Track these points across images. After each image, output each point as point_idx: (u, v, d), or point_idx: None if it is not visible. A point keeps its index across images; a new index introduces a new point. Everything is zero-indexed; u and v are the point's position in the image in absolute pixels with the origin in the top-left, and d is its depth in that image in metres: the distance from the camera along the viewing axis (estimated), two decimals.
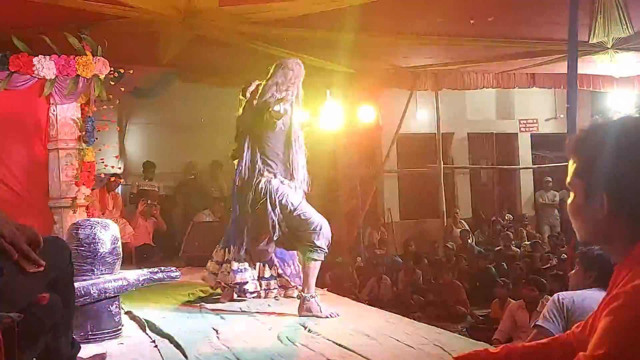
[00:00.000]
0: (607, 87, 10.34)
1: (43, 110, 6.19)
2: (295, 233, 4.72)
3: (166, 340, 3.93)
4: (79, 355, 2.76)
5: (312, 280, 4.62)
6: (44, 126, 6.20)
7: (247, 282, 5.04)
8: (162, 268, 4.41)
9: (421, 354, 3.49)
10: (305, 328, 4.18)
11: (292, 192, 4.79)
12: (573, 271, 3.46)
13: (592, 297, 2.97)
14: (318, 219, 4.69)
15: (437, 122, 11.57)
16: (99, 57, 6.16)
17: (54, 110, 6.19)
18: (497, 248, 10.49)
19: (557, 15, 6.67)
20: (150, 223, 9.15)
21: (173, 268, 4.48)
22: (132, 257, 8.36)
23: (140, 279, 4.18)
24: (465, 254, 10.04)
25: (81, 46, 6.11)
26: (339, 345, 3.68)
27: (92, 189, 6.53)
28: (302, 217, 4.68)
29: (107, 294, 3.95)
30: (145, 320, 4.43)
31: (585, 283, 3.25)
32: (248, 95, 5.08)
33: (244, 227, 4.94)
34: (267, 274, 5.20)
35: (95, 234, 4.01)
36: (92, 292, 3.87)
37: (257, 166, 4.81)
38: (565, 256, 8.18)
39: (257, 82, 5.06)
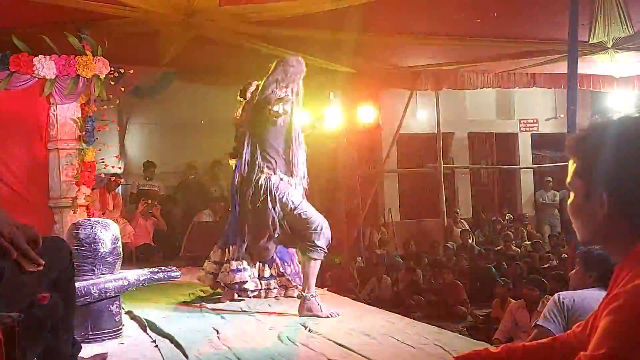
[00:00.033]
0: (607, 87, 10.33)
1: (43, 110, 6.20)
2: (295, 232, 4.73)
3: (167, 340, 3.93)
4: (79, 355, 2.76)
5: (312, 280, 4.63)
6: (44, 126, 6.20)
7: (247, 281, 5.04)
8: (163, 268, 4.41)
9: (421, 353, 3.49)
10: (306, 328, 4.18)
11: (292, 189, 4.80)
12: (573, 271, 3.46)
13: (593, 296, 2.97)
14: (318, 219, 4.69)
15: (438, 122, 11.56)
16: (99, 57, 6.16)
17: (54, 110, 6.19)
18: (498, 248, 10.48)
19: (557, 15, 6.67)
20: (151, 223, 9.15)
21: (173, 268, 4.48)
22: (133, 256, 8.36)
23: (141, 278, 4.19)
24: (466, 253, 10.03)
25: (81, 46, 6.11)
26: (340, 345, 3.68)
27: (93, 189, 6.54)
28: (303, 217, 4.68)
29: (108, 294, 3.96)
30: (145, 320, 4.44)
31: (585, 283, 3.25)
32: (249, 96, 5.09)
33: (244, 224, 4.95)
34: (267, 273, 5.20)
35: (95, 233, 4.01)
36: (92, 292, 3.87)
37: (256, 162, 4.82)
38: (566, 256, 8.18)
39: (256, 83, 5.06)
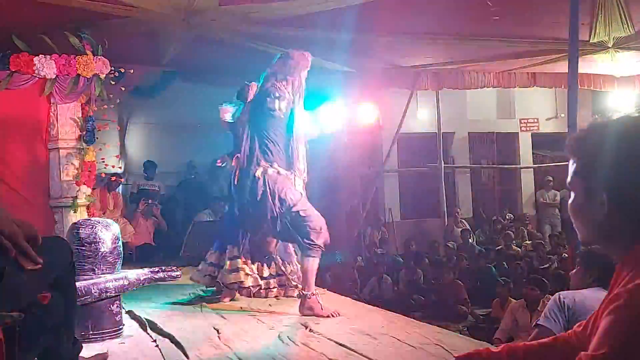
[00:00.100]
0: (607, 86, 10.32)
1: (44, 109, 6.20)
2: (293, 229, 4.73)
3: (167, 340, 3.93)
4: (80, 354, 2.76)
5: (312, 279, 4.63)
6: (44, 126, 6.20)
7: (246, 279, 5.05)
8: (163, 267, 4.41)
9: (422, 353, 3.49)
10: (306, 327, 4.18)
11: (291, 185, 4.80)
12: (574, 270, 3.46)
13: (593, 296, 2.97)
14: (316, 217, 4.69)
15: (438, 122, 11.56)
16: (99, 57, 6.16)
17: (54, 110, 6.19)
18: (498, 247, 10.48)
19: (557, 14, 6.66)
20: (151, 222, 9.16)
21: (174, 267, 4.48)
22: (133, 256, 8.37)
23: (141, 278, 4.19)
24: (466, 253, 10.04)
25: (82, 46, 6.11)
26: (340, 344, 3.68)
27: (93, 189, 6.53)
28: (301, 215, 4.68)
29: (108, 294, 3.96)
30: (146, 319, 4.44)
31: (586, 282, 3.25)
32: (250, 97, 5.10)
33: (244, 218, 4.96)
34: (266, 273, 5.21)
35: (96, 233, 4.01)
36: (93, 291, 3.87)
37: (254, 155, 4.83)
38: (566, 255, 8.17)
39: (255, 84, 5.08)
